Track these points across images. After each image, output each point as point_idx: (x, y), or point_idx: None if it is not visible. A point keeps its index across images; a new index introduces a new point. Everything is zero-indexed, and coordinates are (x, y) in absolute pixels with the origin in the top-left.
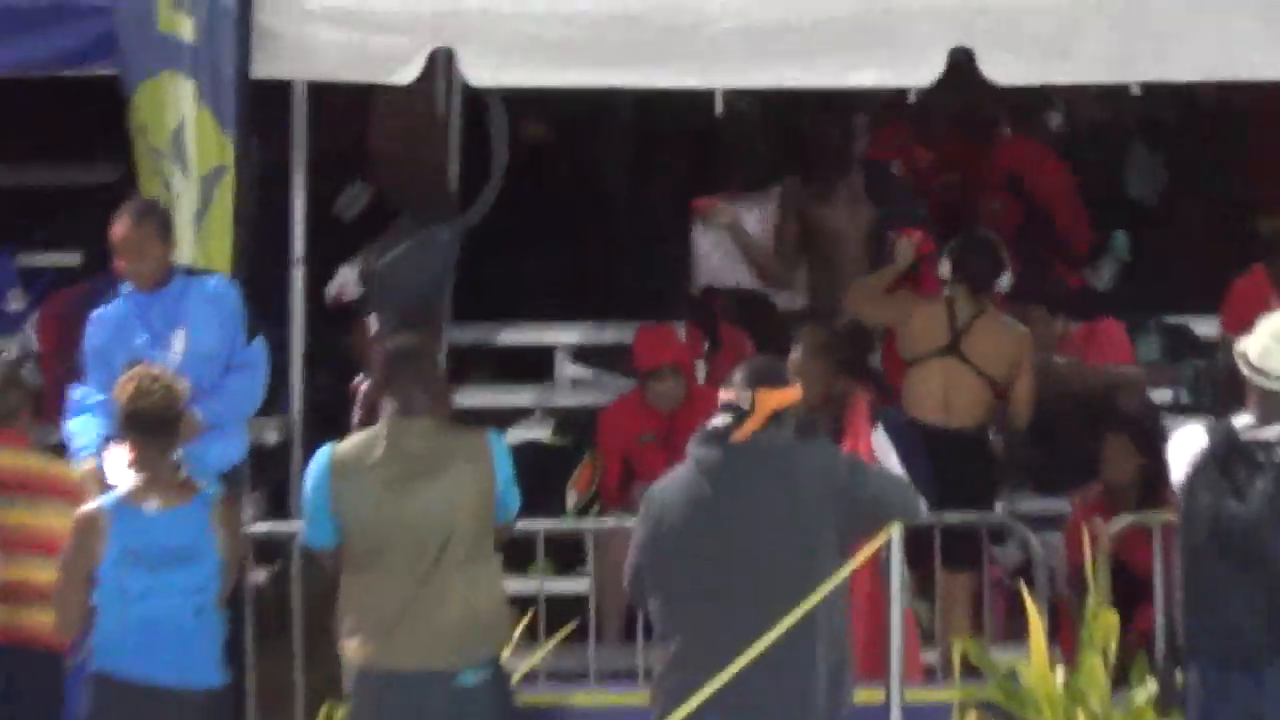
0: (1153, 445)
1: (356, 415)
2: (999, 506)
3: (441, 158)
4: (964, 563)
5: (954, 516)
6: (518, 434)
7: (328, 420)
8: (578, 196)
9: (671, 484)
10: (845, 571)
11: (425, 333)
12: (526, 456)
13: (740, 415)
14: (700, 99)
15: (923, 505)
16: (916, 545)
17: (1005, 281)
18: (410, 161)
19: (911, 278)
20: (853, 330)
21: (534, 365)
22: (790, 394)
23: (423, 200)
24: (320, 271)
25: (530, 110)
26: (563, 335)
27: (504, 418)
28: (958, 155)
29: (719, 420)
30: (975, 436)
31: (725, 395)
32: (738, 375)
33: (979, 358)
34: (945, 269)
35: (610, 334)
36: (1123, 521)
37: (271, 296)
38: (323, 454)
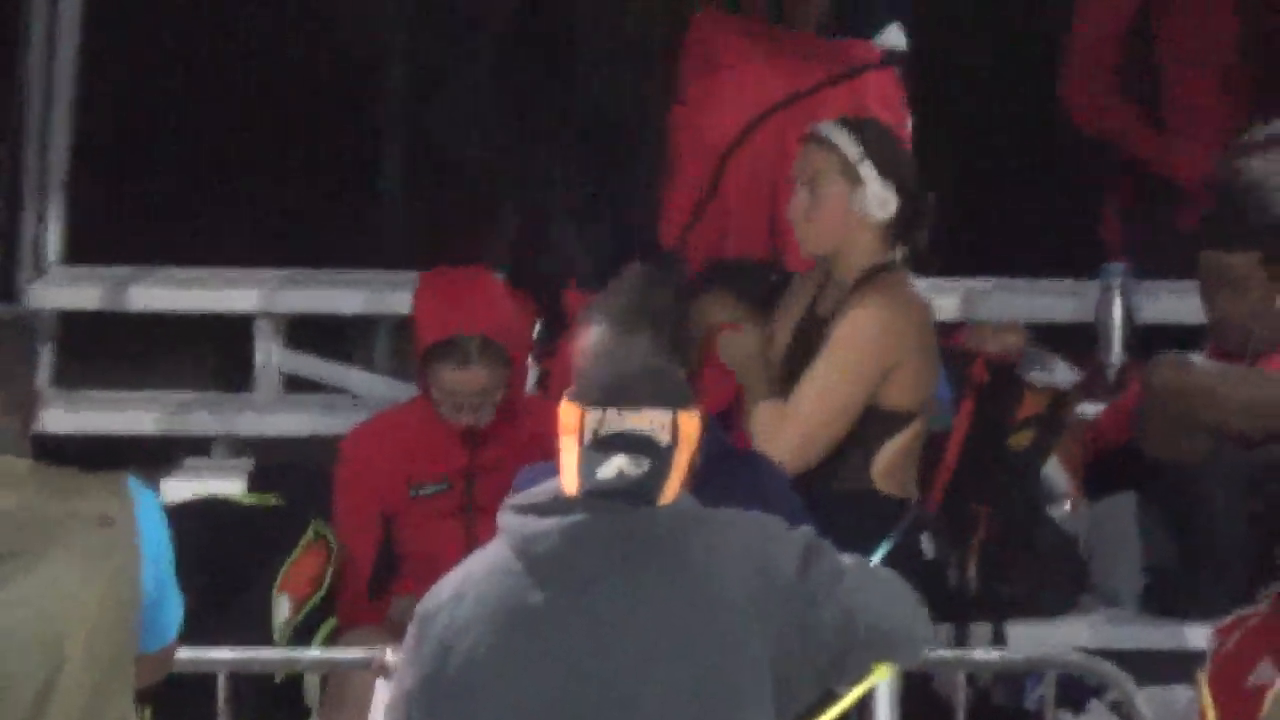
0: None
1: None
2: (1082, 630)
3: None
4: None
5: (983, 654)
6: (183, 486)
7: None
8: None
9: (471, 585)
10: None
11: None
12: (200, 528)
13: (659, 458)
14: None
15: (928, 631)
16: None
17: None
18: None
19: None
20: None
21: (214, 355)
22: (700, 420)
23: None
24: None
25: None
26: (268, 294)
27: (155, 454)
28: None
29: (620, 466)
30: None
31: (605, 419)
32: (634, 383)
33: None
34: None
35: (360, 296)
36: None
37: None
38: None
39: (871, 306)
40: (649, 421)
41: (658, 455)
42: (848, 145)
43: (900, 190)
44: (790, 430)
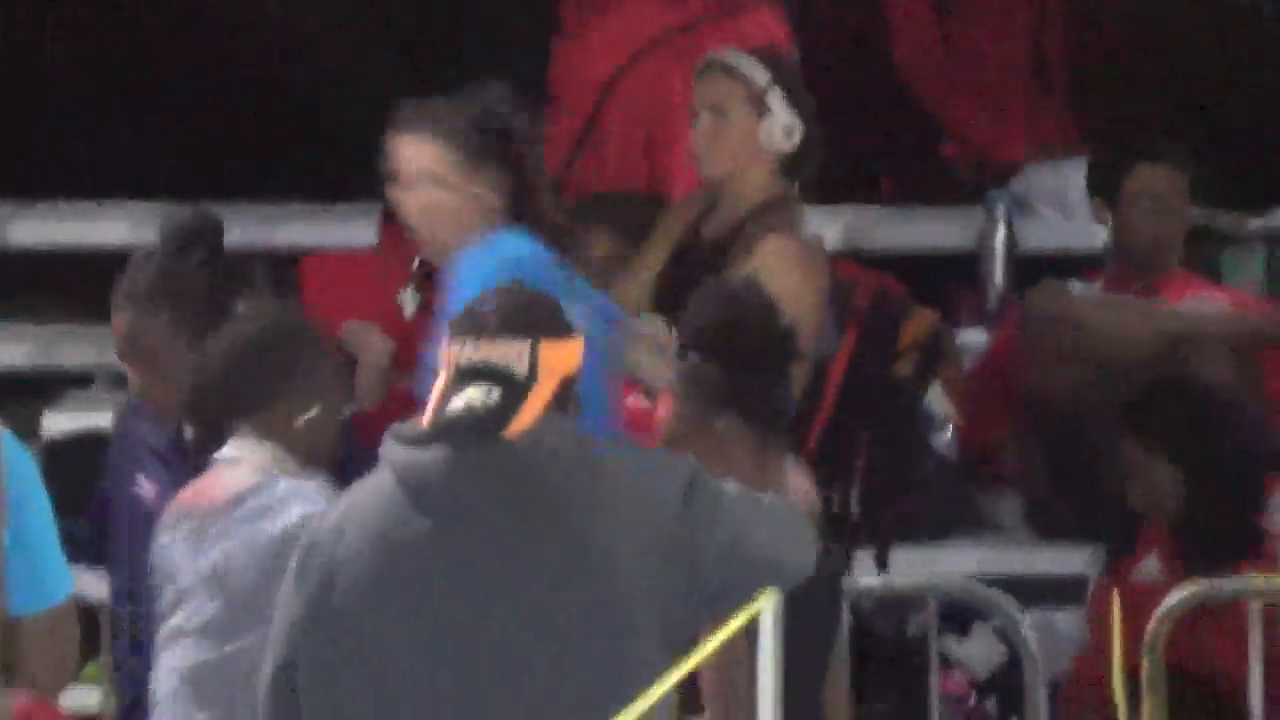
0: (1246, 452)
1: None
2: (965, 556)
3: None
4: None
5: (867, 580)
6: (66, 419)
7: None
8: None
9: (355, 514)
10: (675, 677)
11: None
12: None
13: (513, 388)
14: None
15: (812, 557)
16: None
17: None
18: None
19: None
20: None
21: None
22: (577, 350)
23: None
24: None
25: None
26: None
27: (31, 389)
28: None
29: (470, 398)
30: None
31: (464, 352)
32: (488, 317)
33: None
34: None
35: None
36: (1186, 593)
37: None
38: None
39: (787, 237)
40: (505, 352)
41: (511, 386)
42: (755, 74)
43: (804, 122)
44: None
